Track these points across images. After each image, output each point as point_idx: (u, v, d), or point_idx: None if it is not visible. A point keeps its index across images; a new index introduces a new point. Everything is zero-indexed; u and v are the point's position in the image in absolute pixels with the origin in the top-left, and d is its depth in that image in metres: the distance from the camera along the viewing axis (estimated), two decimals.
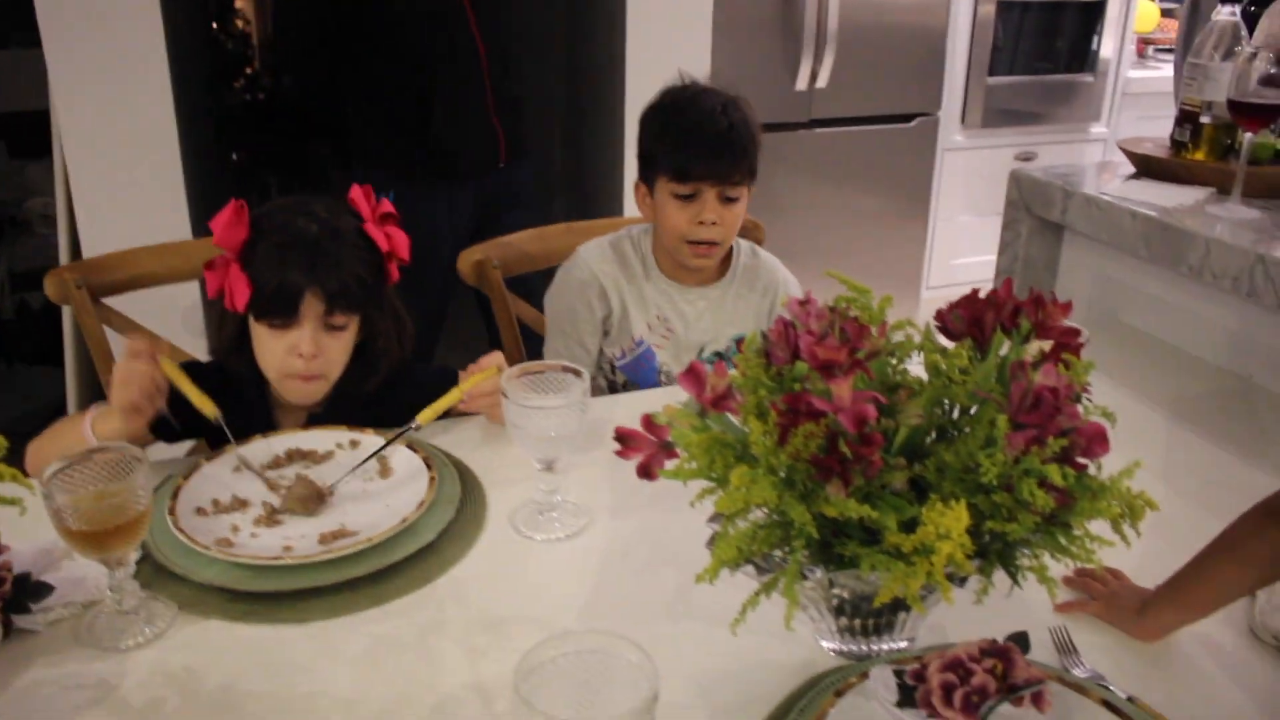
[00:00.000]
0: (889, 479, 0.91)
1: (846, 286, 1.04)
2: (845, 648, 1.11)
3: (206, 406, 1.43)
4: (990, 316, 1.05)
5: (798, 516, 0.86)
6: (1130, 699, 1.03)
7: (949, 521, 0.83)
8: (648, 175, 1.83)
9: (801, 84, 3.61)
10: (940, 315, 1.08)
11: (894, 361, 1.03)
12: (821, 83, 3.63)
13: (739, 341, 1.88)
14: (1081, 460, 0.91)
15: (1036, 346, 1.05)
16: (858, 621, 1.07)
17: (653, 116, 1.84)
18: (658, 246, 1.89)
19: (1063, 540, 0.92)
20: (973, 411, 0.98)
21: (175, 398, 1.43)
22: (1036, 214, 2.29)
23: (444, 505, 1.33)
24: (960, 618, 1.11)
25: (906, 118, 3.87)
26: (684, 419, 0.97)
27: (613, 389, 1.95)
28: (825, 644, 1.12)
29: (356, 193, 1.56)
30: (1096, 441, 0.90)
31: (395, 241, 1.55)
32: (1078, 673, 1.09)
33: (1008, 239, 2.38)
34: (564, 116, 3.79)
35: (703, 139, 1.75)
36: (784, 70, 3.56)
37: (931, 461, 0.93)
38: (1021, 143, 4.27)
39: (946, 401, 1.00)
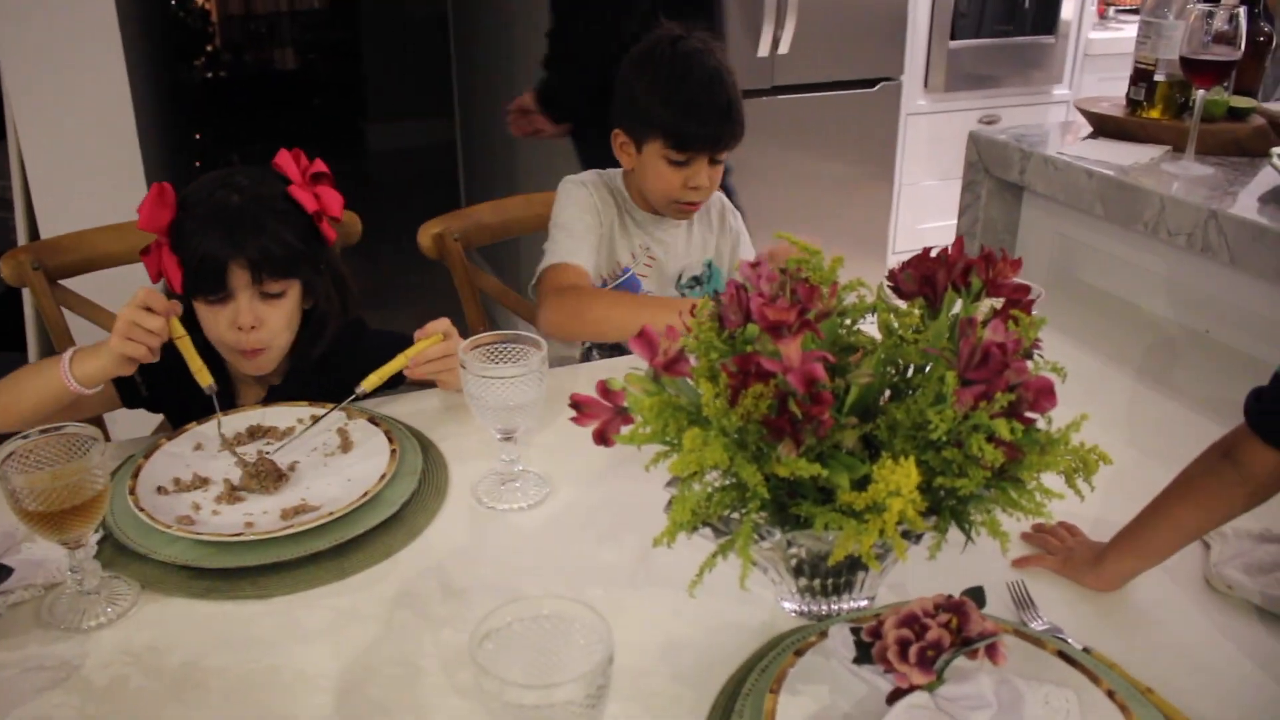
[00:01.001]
0: (841, 438, 0.91)
1: (798, 247, 1.05)
2: (806, 608, 1.12)
3: (204, 376, 1.42)
4: (942, 275, 1.06)
5: (749, 477, 0.86)
6: (1086, 650, 1.05)
7: (899, 478, 0.84)
8: (636, 130, 1.81)
9: (763, 50, 3.59)
10: (892, 275, 1.09)
11: (846, 322, 1.03)
12: (783, 49, 3.62)
13: (709, 265, 1.96)
14: (1030, 415, 0.92)
15: (989, 305, 1.06)
16: (817, 581, 1.08)
17: (647, 69, 1.80)
18: (631, 187, 1.90)
19: (1014, 494, 0.93)
20: (926, 369, 0.98)
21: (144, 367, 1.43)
22: (995, 175, 2.30)
23: (405, 478, 1.33)
24: (920, 575, 1.13)
25: (869, 82, 3.86)
26: (638, 384, 0.97)
27: None
28: (786, 605, 1.13)
29: (283, 156, 1.54)
30: (1044, 396, 0.91)
31: (326, 201, 1.53)
32: (1035, 626, 1.10)
33: (967, 201, 2.39)
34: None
35: (708, 111, 1.75)
36: (745, 37, 3.54)
37: (883, 420, 0.94)
38: (985, 106, 4.27)
39: (900, 361, 1.01)
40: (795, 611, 1.12)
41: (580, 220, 1.85)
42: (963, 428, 0.89)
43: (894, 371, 1.01)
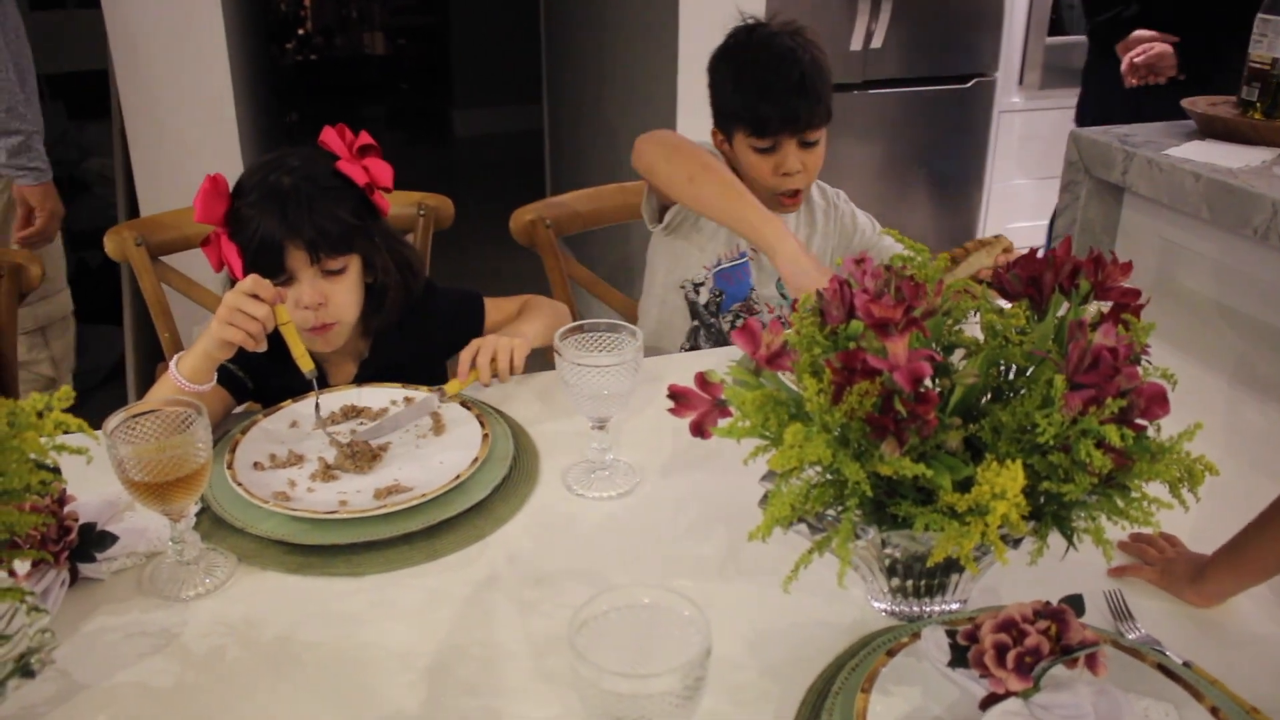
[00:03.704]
0: (944, 438, 0.90)
1: (903, 245, 1.03)
2: (897, 609, 1.10)
3: (305, 362, 1.44)
4: (1048, 276, 1.04)
5: (852, 474, 0.85)
6: (1187, 664, 1.02)
7: (1004, 481, 0.82)
8: (724, 125, 1.81)
9: (856, 44, 3.56)
10: (997, 275, 1.07)
11: (950, 321, 1.02)
12: (877, 43, 3.58)
13: None
14: (1140, 421, 0.90)
15: (1095, 308, 1.03)
16: (910, 582, 1.06)
17: (723, 64, 1.81)
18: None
19: (1120, 502, 0.91)
20: (1029, 372, 0.97)
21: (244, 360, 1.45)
22: (1096, 175, 2.25)
23: (497, 462, 1.34)
24: (1013, 581, 1.11)
25: (963, 78, 3.80)
26: (738, 377, 0.97)
27: (693, 311, 1.93)
28: (876, 604, 1.12)
29: (329, 133, 1.55)
30: (1156, 403, 0.89)
31: (375, 172, 1.54)
32: (1132, 637, 1.08)
33: (1066, 201, 2.34)
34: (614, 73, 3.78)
35: (778, 89, 1.72)
36: (839, 30, 3.51)
37: (987, 421, 0.92)
38: None
39: (1003, 362, 0.99)
40: (886, 611, 1.11)
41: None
42: (1071, 432, 0.87)
43: (996, 373, 0.99)
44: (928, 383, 0.96)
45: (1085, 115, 3.35)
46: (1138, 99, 2.96)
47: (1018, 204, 4.24)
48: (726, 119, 1.80)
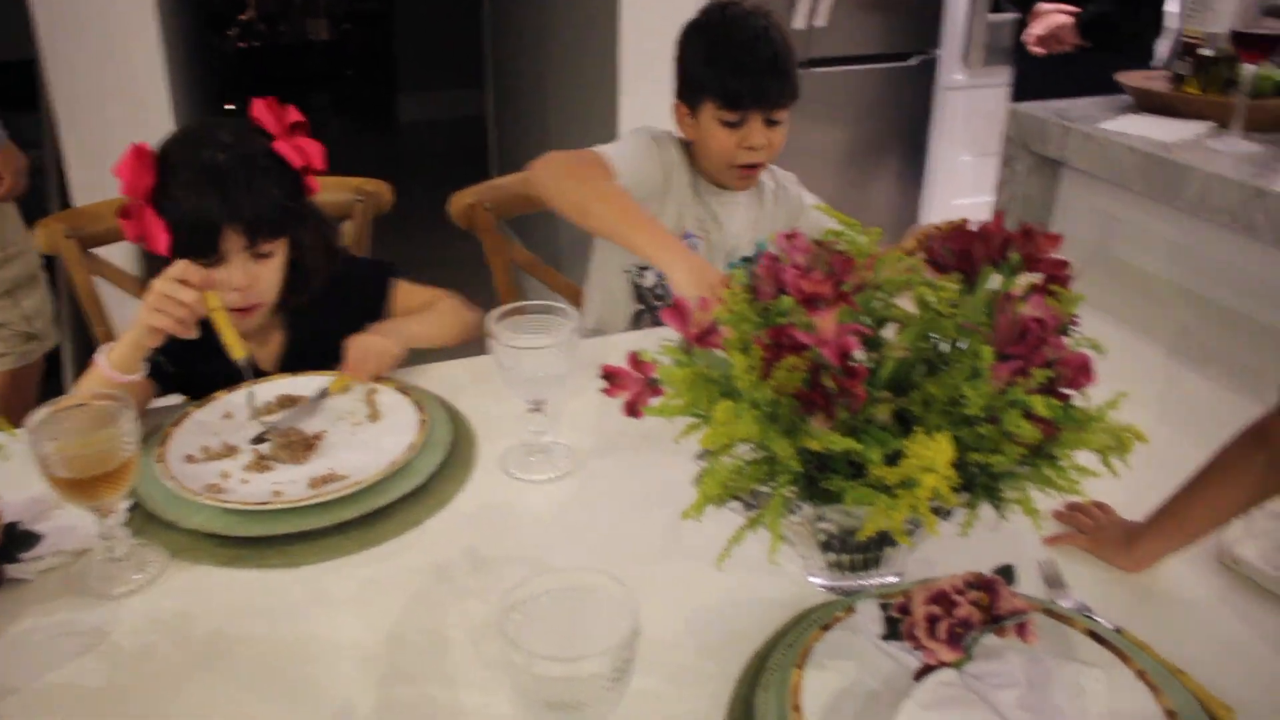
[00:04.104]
0: (873, 412, 0.90)
1: (835, 220, 1.03)
2: (833, 583, 1.11)
3: (238, 348, 1.41)
4: (979, 249, 1.04)
5: (781, 451, 0.85)
6: (1118, 630, 1.04)
7: (933, 454, 0.82)
8: (690, 97, 1.82)
9: (800, 22, 3.55)
10: (929, 249, 1.07)
11: (882, 295, 1.02)
12: (821, 21, 3.58)
13: (760, 246, 1.93)
14: (1066, 391, 0.90)
15: (1027, 280, 1.04)
16: (845, 556, 1.07)
17: (696, 37, 1.82)
18: (695, 157, 1.88)
19: (1048, 472, 0.92)
20: (960, 345, 0.97)
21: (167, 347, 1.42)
22: (1034, 151, 2.26)
23: (434, 448, 1.33)
24: (949, 552, 1.11)
25: (906, 56, 3.82)
26: (670, 355, 0.96)
27: (638, 294, 1.93)
28: (813, 580, 1.12)
29: (260, 108, 1.51)
30: (1081, 372, 0.90)
31: (308, 153, 1.51)
32: (1065, 605, 1.09)
33: (1005, 176, 2.36)
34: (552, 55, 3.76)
35: (752, 66, 1.75)
36: (783, 8, 3.50)
37: (917, 395, 0.92)
38: None
39: (936, 335, 0.99)
40: (823, 586, 1.11)
41: (637, 152, 1.82)
42: (999, 403, 0.87)
43: (929, 346, 0.99)
44: (862, 356, 0.96)
45: (1021, 91, 3.41)
46: (1070, 72, 3.02)
47: (961, 180, 4.26)
48: (695, 91, 1.81)
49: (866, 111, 3.84)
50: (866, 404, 0.89)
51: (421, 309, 1.69)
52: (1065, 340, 0.95)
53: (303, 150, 1.51)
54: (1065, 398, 0.91)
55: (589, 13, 3.40)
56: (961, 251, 1.05)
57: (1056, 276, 1.03)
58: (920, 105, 3.94)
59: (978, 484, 0.94)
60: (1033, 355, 0.87)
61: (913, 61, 3.82)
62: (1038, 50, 3.16)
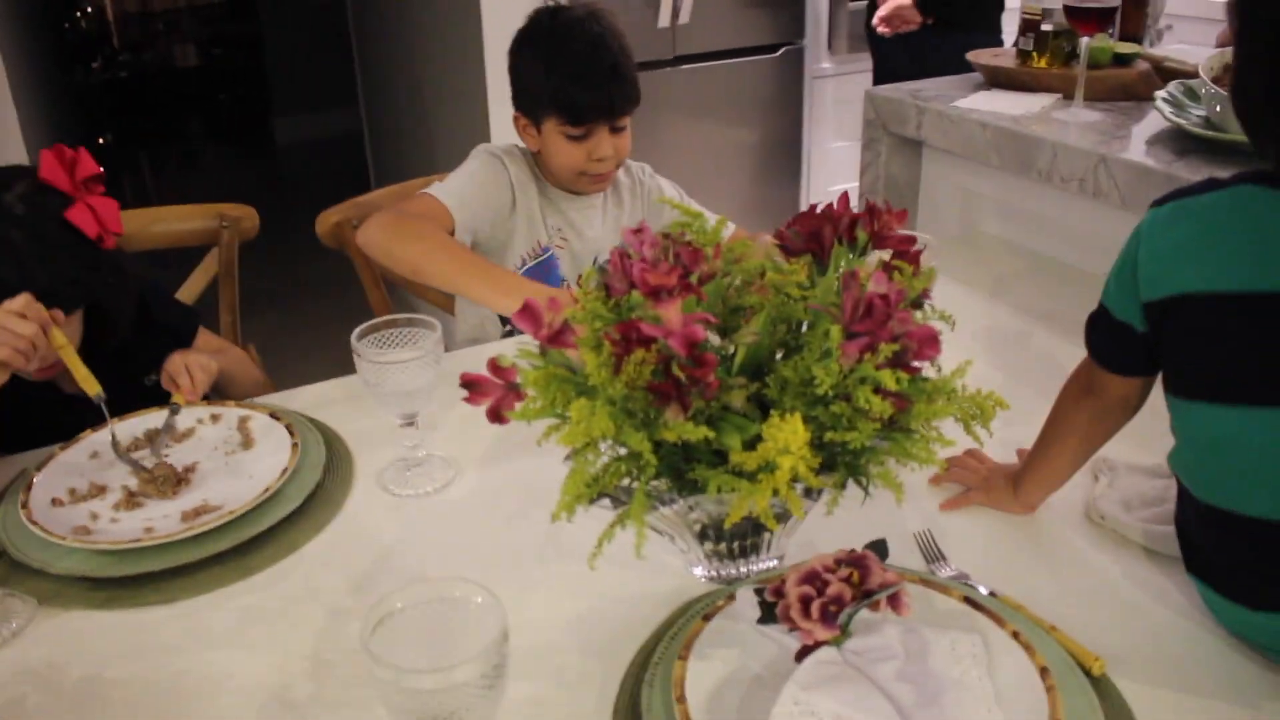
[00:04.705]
0: (729, 399, 0.91)
1: (680, 212, 1.04)
2: (716, 573, 1.12)
3: (91, 385, 1.36)
4: (829, 231, 1.06)
5: (636, 444, 0.86)
6: (992, 594, 1.06)
7: (787, 435, 0.84)
8: (531, 110, 1.78)
9: (664, 20, 3.57)
10: (779, 234, 1.08)
11: (735, 283, 1.03)
12: (684, 18, 3.61)
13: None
14: (915, 364, 0.92)
15: (878, 258, 1.06)
16: (723, 545, 1.08)
17: (528, 50, 1.78)
18: (542, 167, 1.85)
19: (906, 444, 0.94)
20: (811, 326, 0.98)
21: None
22: (894, 132, 2.31)
23: (308, 471, 1.31)
24: (830, 532, 1.13)
25: (773, 48, 3.86)
26: (527, 358, 0.96)
27: (505, 319, 1.89)
28: (697, 571, 1.13)
29: (50, 163, 1.43)
30: (929, 344, 0.91)
31: (104, 215, 1.45)
32: (944, 574, 1.12)
33: (868, 159, 2.40)
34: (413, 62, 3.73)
35: (593, 79, 1.71)
36: (645, 7, 3.52)
37: (773, 379, 0.94)
38: None
39: (792, 319, 1.00)
40: (706, 577, 1.12)
41: (473, 181, 1.79)
42: (849, 381, 0.89)
43: (786, 330, 1.01)
44: (716, 344, 0.97)
45: (882, 75, 3.50)
46: (925, 54, 3.10)
47: (836, 167, 4.33)
48: (535, 106, 1.77)
49: (739, 105, 3.88)
50: (721, 391, 0.90)
51: (216, 353, 1.66)
52: (915, 314, 0.97)
53: (97, 214, 1.44)
54: (915, 370, 0.93)
55: (452, 21, 3.38)
56: (810, 233, 1.06)
57: (904, 253, 1.05)
58: (791, 95, 4.00)
59: (840, 462, 0.95)
60: (879, 331, 0.89)
61: (780, 53, 3.87)
62: (884, 30, 3.29)
